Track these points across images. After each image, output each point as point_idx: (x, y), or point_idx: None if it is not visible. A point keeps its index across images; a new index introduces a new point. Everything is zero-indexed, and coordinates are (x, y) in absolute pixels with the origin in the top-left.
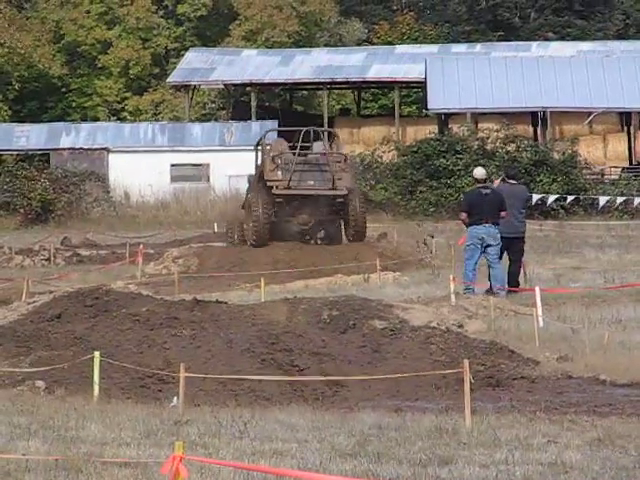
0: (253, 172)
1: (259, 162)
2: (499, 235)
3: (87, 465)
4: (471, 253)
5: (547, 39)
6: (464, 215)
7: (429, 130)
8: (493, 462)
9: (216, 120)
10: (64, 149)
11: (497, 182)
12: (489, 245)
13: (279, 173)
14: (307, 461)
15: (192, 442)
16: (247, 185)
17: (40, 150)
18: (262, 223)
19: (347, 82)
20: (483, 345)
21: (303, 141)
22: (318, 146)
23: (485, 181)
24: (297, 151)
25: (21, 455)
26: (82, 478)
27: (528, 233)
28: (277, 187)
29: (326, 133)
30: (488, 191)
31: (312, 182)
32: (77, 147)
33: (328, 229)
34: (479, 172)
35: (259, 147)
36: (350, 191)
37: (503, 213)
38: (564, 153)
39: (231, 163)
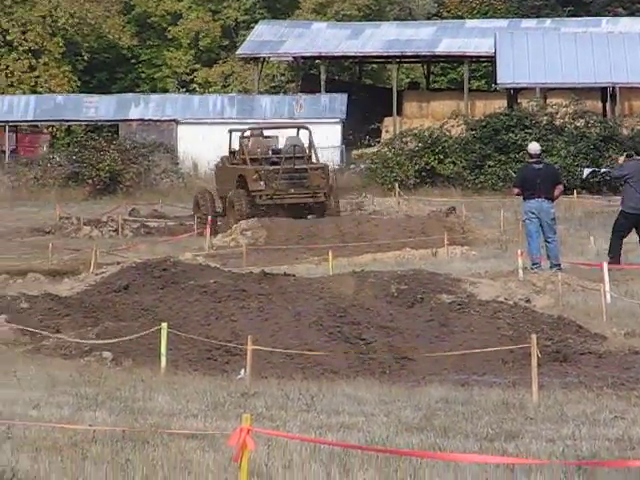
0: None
1: (233, 149)
2: (553, 210)
3: (154, 437)
4: (528, 227)
5: (617, 15)
6: (516, 190)
7: (498, 105)
8: (560, 437)
9: (285, 93)
10: (133, 120)
11: (621, 159)
12: (543, 220)
13: (262, 184)
14: (374, 435)
15: (259, 415)
16: (219, 163)
17: (109, 121)
18: (244, 218)
19: (416, 56)
20: (550, 320)
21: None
22: (292, 139)
23: (539, 156)
24: (281, 166)
25: (88, 426)
26: (149, 449)
27: (597, 208)
28: (260, 197)
29: (303, 132)
30: (541, 166)
31: (293, 191)
32: (146, 118)
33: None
34: (533, 147)
35: (233, 133)
36: (327, 196)
37: (558, 187)
38: (633, 129)
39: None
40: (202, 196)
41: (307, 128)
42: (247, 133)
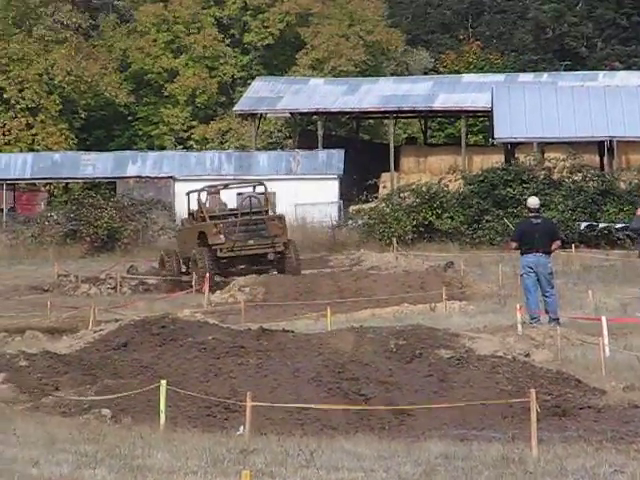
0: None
1: (192, 210)
2: (550, 265)
3: None
4: (525, 282)
5: (614, 68)
6: (514, 244)
7: (495, 159)
8: None
9: (282, 149)
10: (130, 177)
11: (639, 212)
12: (540, 274)
13: (222, 237)
14: None
15: (259, 471)
16: (179, 226)
17: (107, 178)
18: (207, 273)
19: (414, 111)
20: (550, 374)
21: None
22: (248, 195)
23: (537, 210)
24: (238, 219)
25: None
26: None
27: (595, 262)
28: (221, 250)
29: (259, 188)
30: (539, 220)
31: (252, 242)
32: (143, 175)
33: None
34: (532, 201)
35: (190, 195)
36: (286, 246)
37: (556, 242)
38: (631, 183)
39: (298, 192)
40: (168, 255)
41: (262, 184)
42: (204, 193)
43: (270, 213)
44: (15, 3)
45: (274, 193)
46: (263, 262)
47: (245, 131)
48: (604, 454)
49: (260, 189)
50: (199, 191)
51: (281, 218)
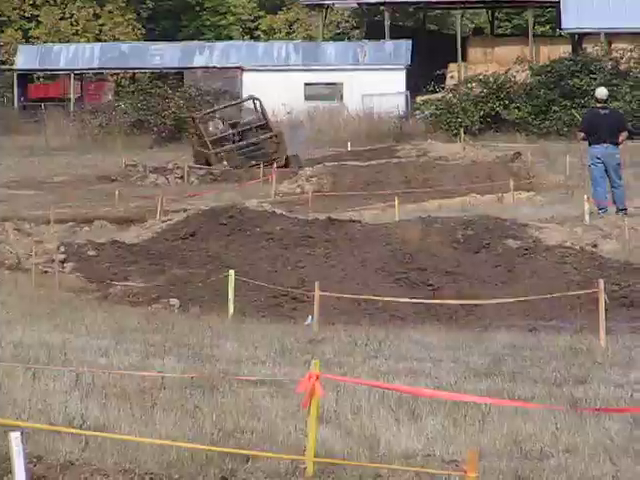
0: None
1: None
2: (618, 155)
3: (222, 383)
4: (593, 173)
5: None
6: (581, 135)
7: (562, 50)
8: (628, 382)
9: (349, 39)
10: (198, 68)
11: None
12: (608, 165)
13: (225, 163)
14: (442, 380)
15: (327, 361)
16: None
17: (174, 69)
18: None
19: (481, 1)
20: (617, 265)
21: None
22: (246, 113)
23: (605, 101)
24: (235, 144)
25: (157, 373)
26: (217, 396)
27: None
28: None
29: (252, 103)
30: (607, 111)
31: (253, 162)
32: (211, 66)
33: None
34: (600, 92)
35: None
36: (287, 161)
37: (623, 133)
38: None
39: (365, 82)
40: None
41: (257, 98)
42: (202, 116)
43: (268, 127)
44: None
45: (342, 83)
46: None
47: (312, 21)
48: None
49: (253, 105)
50: (198, 119)
51: (278, 135)
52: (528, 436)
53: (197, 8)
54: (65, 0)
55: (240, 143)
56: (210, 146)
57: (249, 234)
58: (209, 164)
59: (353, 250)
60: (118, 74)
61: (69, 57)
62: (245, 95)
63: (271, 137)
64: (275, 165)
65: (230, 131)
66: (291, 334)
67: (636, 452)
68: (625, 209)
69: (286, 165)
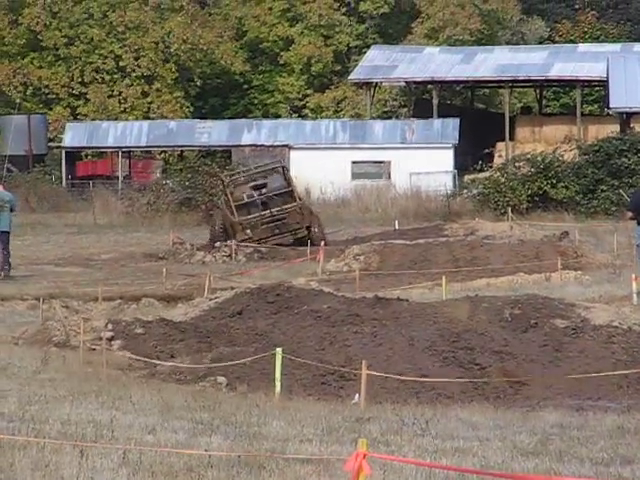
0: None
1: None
2: None
3: (269, 461)
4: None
5: None
6: (629, 214)
7: (611, 129)
8: None
9: (397, 118)
10: (246, 145)
11: None
12: None
13: (248, 232)
14: (489, 459)
15: (374, 439)
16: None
17: (222, 146)
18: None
19: (529, 80)
20: None
21: (260, 175)
22: (274, 179)
23: None
24: (259, 215)
25: (204, 451)
26: (265, 474)
27: None
28: (247, 242)
29: (280, 169)
30: None
31: (277, 231)
32: (259, 144)
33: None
34: None
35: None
36: (309, 228)
37: None
38: None
39: (412, 161)
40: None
41: (284, 166)
42: (228, 181)
43: (293, 196)
44: None
45: (389, 162)
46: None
47: (360, 100)
48: None
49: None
50: (225, 181)
51: (302, 207)
52: None
53: (245, 86)
54: (114, 78)
55: (265, 213)
56: (235, 209)
57: (296, 312)
58: (233, 231)
59: (400, 329)
60: (166, 152)
61: (117, 135)
62: (292, 173)
63: (295, 209)
64: (296, 236)
65: (256, 197)
66: (338, 413)
67: None
68: None
69: (311, 235)
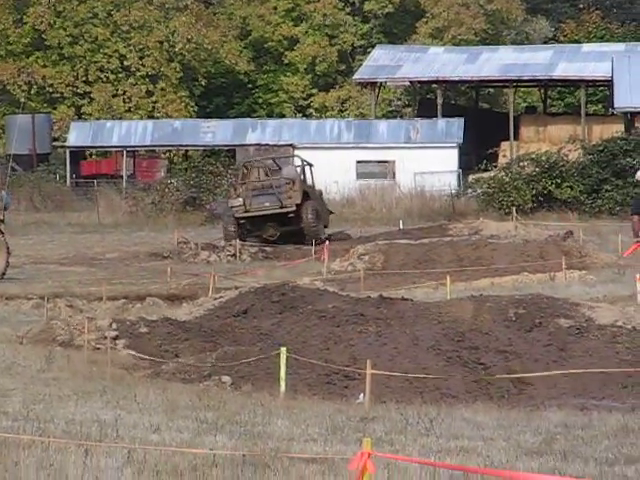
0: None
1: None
2: None
3: (274, 461)
4: None
5: None
6: (636, 217)
7: (615, 129)
8: None
9: (402, 117)
10: (250, 145)
11: None
12: None
13: (240, 200)
14: (493, 459)
15: (378, 439)
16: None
17: (226, 146)
18: (230, 238)
19: (533, 80)
20: None
21: (275, 164)
22: (289, 170)
23: None
24: (248, 183)
25: (208, 450)
26: (269, 473)
27: None
28: (237, 211)
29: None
30: None
31: (267, 204)
32: (263, 143)
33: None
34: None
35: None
36: (299, 206)
37: None
38: None
39: (417, 160)
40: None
41: (305, 160)
42: (247, 163)
43: (309, 182)
44: None
45: (394, 161)
46: (282, 223)
47: (364, 99)
48: None
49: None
50: (241, 164)
51: (294, 181)
52: None
53: (249, 85)
54: (118, 77)
55: (254, 183)
56: (232, 188)
57: (301, 312)
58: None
59: (405, 328)
60: (170, 151)
61: (122, 134)
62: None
63: (286, 182)
64: (284, 209)
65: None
66: (343, 412)
67: None
68: None
69: (299, 215)
